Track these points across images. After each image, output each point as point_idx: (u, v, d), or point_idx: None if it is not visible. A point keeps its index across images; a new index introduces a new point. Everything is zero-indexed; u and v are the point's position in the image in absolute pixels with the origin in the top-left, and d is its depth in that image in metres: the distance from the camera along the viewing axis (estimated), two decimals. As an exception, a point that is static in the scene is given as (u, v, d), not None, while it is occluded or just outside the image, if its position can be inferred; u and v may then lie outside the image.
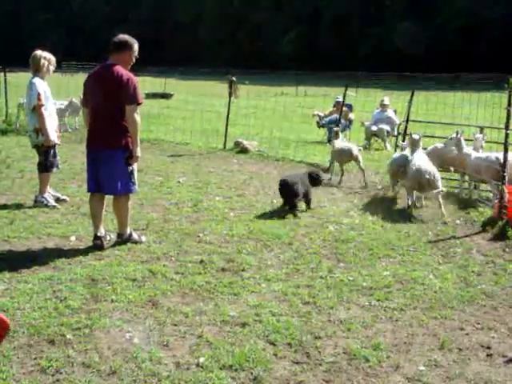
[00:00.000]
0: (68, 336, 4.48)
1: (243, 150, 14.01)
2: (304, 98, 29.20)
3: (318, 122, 17.22)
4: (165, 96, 29.29)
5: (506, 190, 7.78)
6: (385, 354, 4.38)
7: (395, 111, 16.39)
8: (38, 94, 7.80)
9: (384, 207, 8.88)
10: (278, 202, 8.78)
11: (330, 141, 15.81)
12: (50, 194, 8.19)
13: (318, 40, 61.50)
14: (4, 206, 8.06)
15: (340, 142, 10.86)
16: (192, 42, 72.20)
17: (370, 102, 18.80)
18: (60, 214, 7.82)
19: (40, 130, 7.93)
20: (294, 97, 31.77)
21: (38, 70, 7.99)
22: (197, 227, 7.45)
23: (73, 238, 6.83)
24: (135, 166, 6.46)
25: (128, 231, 6.60)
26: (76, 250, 6.48)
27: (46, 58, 8.03)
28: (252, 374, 4.04)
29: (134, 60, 6.50)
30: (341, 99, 17.26)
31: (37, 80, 7.93)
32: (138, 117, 6.20)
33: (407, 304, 5.31)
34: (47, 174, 8.19)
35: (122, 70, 6.21)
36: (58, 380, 3.92)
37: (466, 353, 4.46)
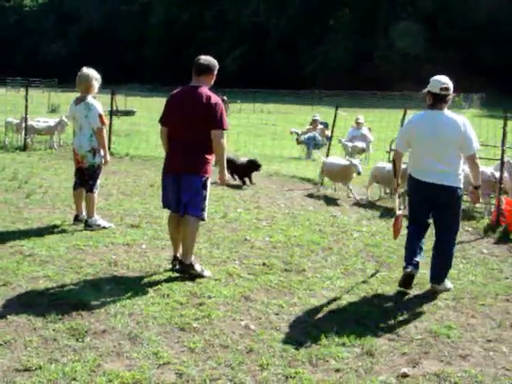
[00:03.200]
0: (194, 324, 5.28)
1: (234, 166, 14.79)
2: (266, 115, 30.16)
3: (297, 139, 18.26)
4: (128, 113, 29.72)
5: (503, 200, 8.98)
6: (457, 331, 5.37)
7: (369, 129, 17.63)
8: (100, 115, 8.01)
9: (387, 216, 9.89)
10: (295, 212, 9.75)
11: (309, 157, 16.98)
12: (99, 215, 8.40)
13: (265, 58, 62.97)
14: (50, 218, 8.64)
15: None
16: (135, 60, 72.44)
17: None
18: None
19: (98, 150, 8.09)
20: (253, 113, 32.80)
21: (89, 91, 8.10)
22: (240, 235, 8.29)
23: (144, 246, 7.54)
24: (208, 193, 6.44)
25: (191, 259, 6.50)
26: (145, 254, 7.19)
27: (97, 79, 8.19)
28: (363, 348, 4.96)
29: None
30: (318, 117, 18.51)
31: (94, 101, 8.10)
32: (224, 141, 6.26)
33: (456, 295, 6.33)
34: (95, 194, 8.27)
35: (210, 93, 6.21)
36: (209, 357, 4.72)
37: (520, 330, 5.50)
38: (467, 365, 4.76)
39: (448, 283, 6.44)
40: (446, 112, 6.18)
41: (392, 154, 11.64)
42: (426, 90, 6.26)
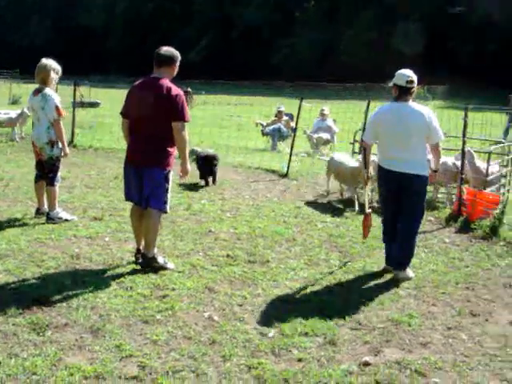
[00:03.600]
0: (157, 317, 5.28)
1: (199, 158, 14.74)
2: (231, 107, 30.09)
3: (262, 131, 18.25)
4: (92, 105, 29.36)
5: (464, 191, 9.10)
6: (418, 320, 5.45)
7: (334, 120, 17.71)
8: (57, 107, 7.89)
9: (352, 206, 9.97)
10: (260, 203, 9.79)
11: (274, 148, 17.01)
12: (60, 208, 8.30)
13: (230, 49, 62.77)
14: (11, 212, 8.54)
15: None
16: (100, 50, 71.65)
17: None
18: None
19: (56, 142, 7.98)
20: (218, 105, 32.71)
21: (46, 82, 7.96)
22: (204, 227, 8.27)
23: (107, 239, 7.49)
24: (170, 186, 6.38)
25: (153, 252, 6.44)
26: (109, 249, 7.15)
27: (56, 69, 8.03)
28: (326, 338, 5.00)
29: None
30: (282, 108, 18.51)
31: (51, 92, 7.96)
32: (186, 133, 6.15)
33: (417, 284, 6.42)
34: (56, 187, 8.15)
35: (171, 85, 6.09)
36: (172, 349, 4.72)
37: (479, 318, 5.59)
38: (427, 352, 4.83)
39: (410, 272, 6.54)
40: (412, 103, 6.38)
41: (356, 145, 11.78)
42: (391, 83, 6.45)
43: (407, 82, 6.27)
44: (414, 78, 6.32)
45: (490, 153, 10.16)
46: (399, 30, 50.67)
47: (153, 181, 6.20)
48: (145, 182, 6.28)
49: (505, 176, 10.90)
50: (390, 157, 6.44)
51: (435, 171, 6.75)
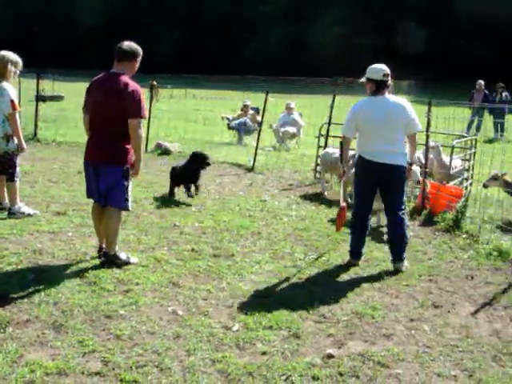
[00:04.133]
0: (121, 312, 5.23)
1: (165, 152, 14.71)
2: (197, 101, 29.98)
3: (228, 125, 18.22)
4: (55, 98, 28.93)
5: (428, 184, 9.21)
6: (382, 312, 5.50)
7: (301, 114, 17.76)
8: (12, 101, 7.68)
9: (318, 200, 10.04)
10: (225, 197, 9.79)
11: (240, 142, 17.00)
12: (23, 203, 8.16)
13: (199, 43, 62.45)
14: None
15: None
16: (65, 43, 70.58)
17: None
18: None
19: (11, 136, 7.78)
20: (185, 99, 32.55)
21: (4, 75, 7.73)
22: (169, 221, 8.23)
23: (70, 234, 7.40)
24: (131, 183, 6.31)
25: (115, 249, 6.39)
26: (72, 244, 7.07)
27: (14, 62, 7.81)
28: (290, 331, 5.01)
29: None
30: (248, 102, 18.50)
31: (7, 85, 7.74)
32: (141, 131, 6.01)
33: (380, 277, 6.48)
34: (16, 183, 8.02)
35: (128, 81, 5.97)
36: (136, 344, 4.68)
37: (442, 309, 5.67)
38: (390, 344, 4.88)
39: (406, 261, 6.70)
40: (389, 96, 6.54)
41: (322, 139, 11.82)
42: (365, 78, 6.59)
43: (383, 75, 6.42)
44: (388, 71, 6.46)
45: (453, 147, 10.28)
46: (367, 25, 50.95)
47: (110, 178, 6.09)
48: (102, 180, 6.19)
49: (467, 170, 11.05)
50: (372, 149, 6.51)
51: (411, 164, 6.80)
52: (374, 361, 4.55)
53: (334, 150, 10.57)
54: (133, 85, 5.99)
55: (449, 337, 5.05)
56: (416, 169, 7.52)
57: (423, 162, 9.50)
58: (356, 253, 6.77)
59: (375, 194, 6.80)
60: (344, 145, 6.92)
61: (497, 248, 7.34)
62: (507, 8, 46.34)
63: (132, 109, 5.92)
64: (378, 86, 6.43)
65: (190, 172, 9.74)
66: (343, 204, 7.22)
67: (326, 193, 10.54)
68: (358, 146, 6.80)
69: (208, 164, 9.81)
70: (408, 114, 6.42)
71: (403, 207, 6.71)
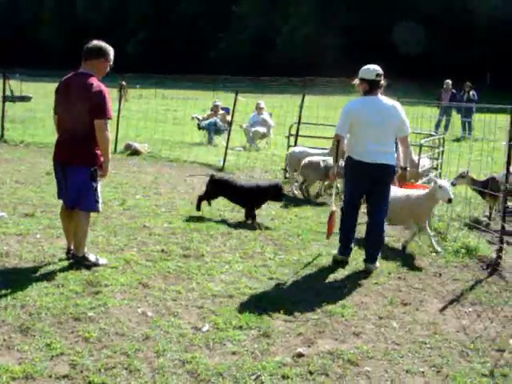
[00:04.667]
0: (89, 314, 5.18)
1: (135, 153, 14.63)
2: (167, 101, 29.84)
3: (198, 125, 18.17)
4: (23, 99, 28.61)
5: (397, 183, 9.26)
6: (351, 310, 5.53)
7: (271, 114, 17.79)
8: None
9: (288, 200, 10.04)
10: (195, 198, 9.74)
11: (210, 142, 16.97)
12: None
13: (167, 43, 62.17)
14: None
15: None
16: (31, 43, 69.78)
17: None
18: None
19: None
20: (154, 99, 32.36)
21: None
22: (138, 222, 8.17)
23: (38, 236, 7.31)
24: (100, 184, 6.25)
25: (83, 251, 6.32)
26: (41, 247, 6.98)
27: None
28: (260, 330, 5.01)
29: (108, 69, 6.23)
30: (218, 103, 18.48)
31: None
32: (108, 132, 5.93)
33: (350, 275, 6.52)
34: None
35: (93, 81, 5.91)
36: (104, 346, 4.64)
37: (410, 306, 5.72)
38: (360, 341, 4.91)
39: (377, 262, 6.72)
40: (382, 97, 6.59)
41: (292, 138, 11.86)
42: (358, 79, 6.62)
43: (377, 75, 6.47)
44: (381, 71, 6.51)
45: (421, 146, 10.37)
46: (338, 25, 51.17)
47: (78, 181, 6.04)
48: (70, 182, 6.14)
49: (436, 168, 11.17)
50: (365, 149, 6.54)
51: (405, 168, 6.87)
52: (344, 359, 4.57)
53: (300, 149, 10.64)
54: (97, 85, 5.93)
55: (417, 333, 5.10)
56: (445, 185, 7.25)
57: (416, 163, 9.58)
58: (345, 249, 6.78)
59: (365, 193, 6.79)
60: (338, 143, 6.80)
61: (464, 245, 7.44)
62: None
63: (97, 110, 5.86)
64: (371, 86, 6.48)
65: (260, 197, 8.75)
66: (334, 208, 7.20)
67: (295, 192, 10.57)
68: (348, 147, 6.79)
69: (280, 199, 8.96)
70: (400, 115, 6.51)
71: (386, 207, 6.76)
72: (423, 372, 4.44)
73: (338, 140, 6.74)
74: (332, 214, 7.12)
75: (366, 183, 6.63)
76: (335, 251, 6.91)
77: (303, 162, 10.15)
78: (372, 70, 6.51)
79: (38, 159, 13.02)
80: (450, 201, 7.18)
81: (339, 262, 6.81)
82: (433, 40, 47.15)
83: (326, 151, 10.25)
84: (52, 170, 6.36)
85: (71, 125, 6.01)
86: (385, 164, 6.46)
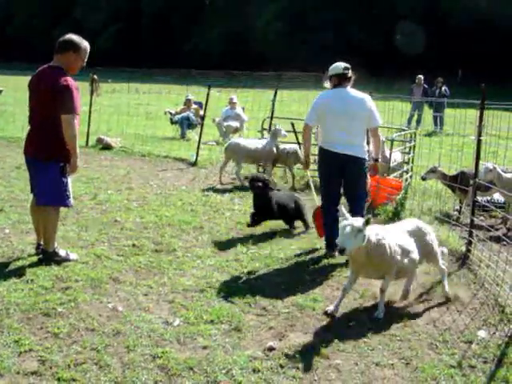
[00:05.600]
0: (59, 309, 5.13)
1: (107, 147, 14.51)
2: (140, 95, 29.63)
3: (171, 119, 18.07)
4: (-8, 92, 28.15)
5: (368, 177, 9.31)
6: (323, 304, 5.56)
7: (243, 108, 17.76)
8: None
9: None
10: (167, 192, 9.73)
11: (183, 137, 16.90)
12: None
13: (139, 36, 61.69)
14: None
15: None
16: (2, 37, 68.74)
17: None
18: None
19: None
20: (127, 93, 32.10)
21: None
22: (110, 217, 8.12)
23: (7, 231, 7.22)
24: (70, 179, 6.18)
25: (53, 246, 6.26)
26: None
27: None
28: (231, 325, 5.02)
29: (81, 63, 6.10)
30: (191, 97, 18.39)
31: None
32: (75, 127, 5.80)
33: (321, 269, 6.55)
34: None
35: (60, 75, 5.79)
36: (74, 342, 4.61)
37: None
38: (330, 335, 4.93)
39: None
40: (351, 89, 6.74)
41: (265, 132, 11.86)
42: (328, 76, 6.81)
43: (343, 68, 6.66)
44: (348, 65, 6.70)
45: (392, 140, 10.44)
46: (309, 21, 51.24)
47: (47, 176, 5.96)
48: (39, 177, 6.08)
49: (407, 162, 11.25)
50: (333, 139, 6.66)
51: (376, 160, 6.99)
52: (314, 352, 4.59)
53: (246, 142, 10.89)
54: (64, 79, 5.82)
55: (387, 326, 5.13)
56: None
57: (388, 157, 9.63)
58: (331, 244, 6.75)
59: (341, 184, 6.83)
60: (305, 133, 6.99)
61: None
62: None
63: (64, 104, 5.75)
64: (340, 79, 6.66)
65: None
66: (318, 204, 7.24)
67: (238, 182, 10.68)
68: (320, 137, 6.96)
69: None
70: (368, 106, 6.63)
71: (363, 198, 6.89)
72: (393, 364, 4.48)
73: (304, 129, 6.89)
74: (317, 211, 7.19)
75: (337, 173, 6.72)
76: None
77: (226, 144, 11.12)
78: (338, 65, 6.72)
79: (7, 153, 12.86)
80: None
81: (330, 257, 6.85)
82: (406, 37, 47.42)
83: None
84: (21, 165, 6.27)
85: (40, 120, 5.94)
86: (353, 156, 6.57)
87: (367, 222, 4.96)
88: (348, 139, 6.58)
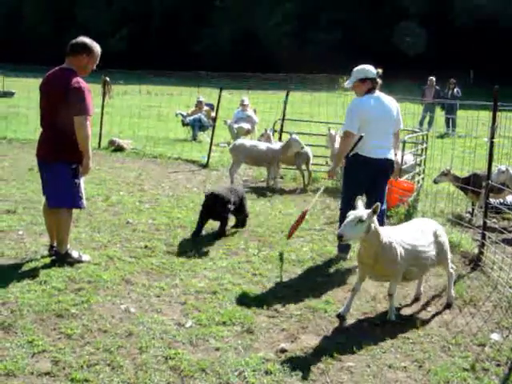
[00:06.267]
0: (72, 310, 5.16)
1: (119, 149, 14.57)
2: (151, 97, 29.72)
3: (182, 121, 18.12)
4: (6, 95, 28.38)
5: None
6: (335, 306, 5.55)
7: (255, 110, 17.77)
8: None
9: (272, 196, 10.08)
10: (179, 194, 9.74)
11: (195, 138, 16.94)
12: None
13: (150, 38, 61.87)
14: None
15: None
16: (12, 37, 68.94)
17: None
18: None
19: None
20: (138, 95, 32.22)
21: None
22: (122, 218, 8.15)
23: (20, 232, 7.26)
24: (82, 180, 6.19)
25: (66, 248, 6.28)
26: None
27: None
28: (243, 326, 5.02)
29: (92, 67, 6.13)
30: (202, 98, 18.43)
31: None
32: (88, 129, 5.83)
33: (334, 271, 6.54)
34: None
35: (72, 77, 5.83)
36: (87, 343, 4.63)
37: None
38: (343, 337, 4.92)
39: None
40: (381, 94, 6.78)
41: (276, 134, 11.87)
42: (351, 82, 6.75)
43: (377, 73, 6.71)
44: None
45: (404, 142, 10.40)
46: (318, 21, 51.22)
47: (59, 177, 5.99)
48: (50, 179, 6.12)
49: (419, 164, 11.22)
50: (372, 144, 6.64)
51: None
52: (327, 354, 4.58)
53: (251, 143, 10.95)
54: (76, 81, 5.85)
55: (400, 329, 5.11)
56: None
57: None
58: (344, 247, 6.81)
59: (364, 192, 6.79)
60: (348, 141, 6.72)
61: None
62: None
63: (76, 106, 5.77)
64: (373, 83, 6.67)
65: None
66: (307, 208, 7.22)
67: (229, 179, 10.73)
68: (354, 145, 6.76)
69: None
70: (399, 110, 6.80)
71: (383, 204, 6.83)
72: (405, 367, 4.47)
73: (348, 137, 6.72)
74: (304, 214, 7.19)
75: (368, 180, 6.72)
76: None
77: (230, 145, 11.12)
78: (372, 68, 6.71)
79: (21, 155, 12.94)
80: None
81: (342, 259, 6.85)
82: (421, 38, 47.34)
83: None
84: (34, 167, 6.30)
85: (52, 121, 5.95)
86: (389, 159, 6.69)
87: (374, 212, 4.93)
88: (386, 144, 6.70)
